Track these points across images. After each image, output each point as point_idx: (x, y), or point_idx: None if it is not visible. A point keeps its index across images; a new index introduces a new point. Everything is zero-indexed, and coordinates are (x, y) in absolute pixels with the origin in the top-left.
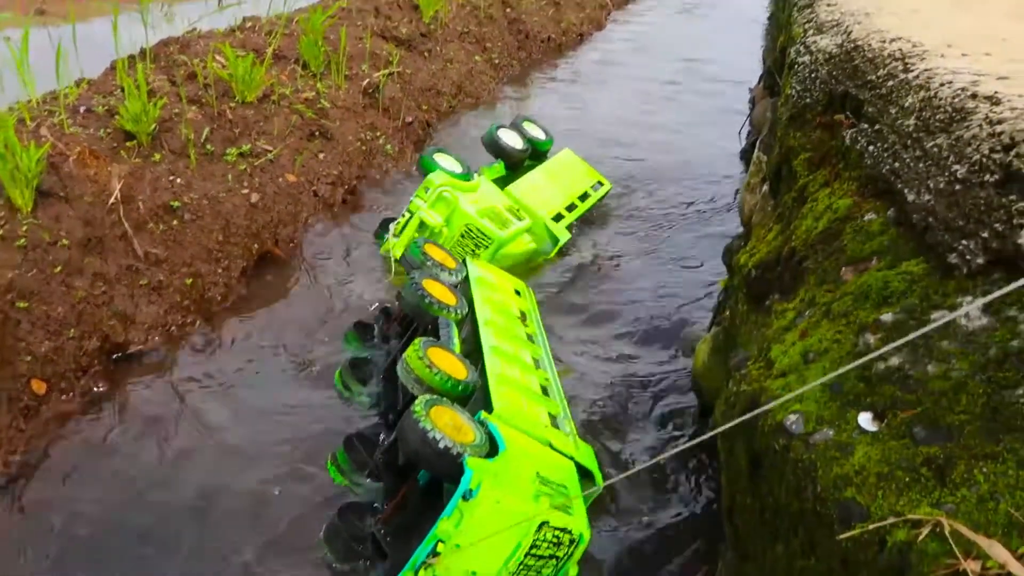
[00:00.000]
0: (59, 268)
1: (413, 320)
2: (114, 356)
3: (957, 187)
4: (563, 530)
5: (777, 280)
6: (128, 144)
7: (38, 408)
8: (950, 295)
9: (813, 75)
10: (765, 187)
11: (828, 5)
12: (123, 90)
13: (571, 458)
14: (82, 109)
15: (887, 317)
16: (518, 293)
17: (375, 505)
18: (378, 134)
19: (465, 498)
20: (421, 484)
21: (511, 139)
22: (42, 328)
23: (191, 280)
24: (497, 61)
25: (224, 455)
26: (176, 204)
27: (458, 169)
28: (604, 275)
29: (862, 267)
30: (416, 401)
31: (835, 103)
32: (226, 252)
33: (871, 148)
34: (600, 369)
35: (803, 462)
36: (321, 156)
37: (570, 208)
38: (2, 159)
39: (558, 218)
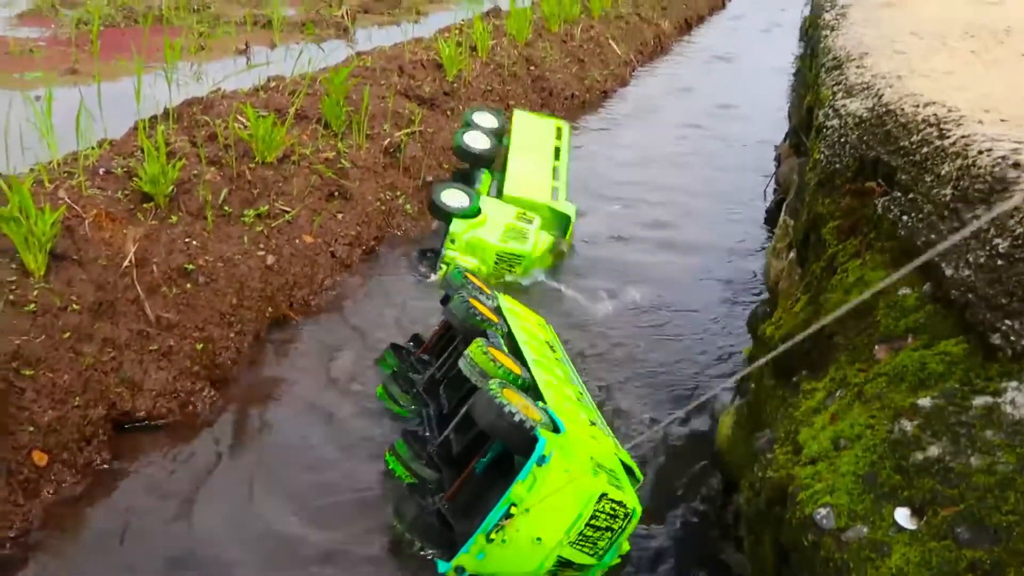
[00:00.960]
0: (68, 334)
1: (455, 335)
2: (120, 425)
3: (999, 262)
4: (619, 504)
5: (805, 355)
6: (145, 206)
7: (38, 481)
8: (993, 379)
9: (843, 139)
10: (792, 254)
11: (858, 67)
12: (143, 151)
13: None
14: (101, 170)
15: (925, 402)
16: (541, 326)
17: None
18: (398, 193)
19: (539, 464)
20: (478, 472)
21: (480, 142)
22: (47, 396)
23: (202, 345)
24: None
25: (235, 527)
26: (191, 267)
27: (467, 201)
28: (618, 333)
29: (897, 345)
30: (490, 382)
31: (866, 169)
32: (239, 316)
33: (905, 218)
34: (619, 433)
35: (835, 562)
36: (340, 216)
37: (556, 174)
38: (16, 223)
39: (556, 194)
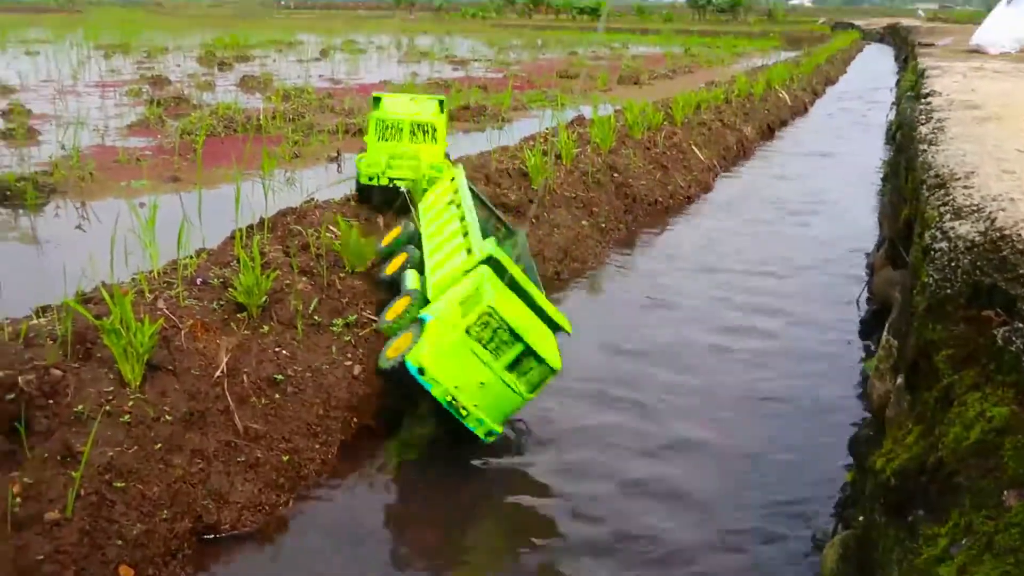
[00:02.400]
0: (160, 445)
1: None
2: (205, 537)
3: None
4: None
5: (921, 493)
6: (239, 316)
7: None
8: None
9: (952, 264)
10: (900, 379)
11: (965, 188)
12: (239, 261)
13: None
14: (199, 280)
15: None
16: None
17: None
18: None
19: (420, 373)
20: None
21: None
22: (136, 509)
23: (288, 457)
24: (604, 225)
25: None
26: (280, 377)
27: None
28: (699, 444)
29: None
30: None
31: (981, 296)
32: (325, 426)
33: None
34: (715, 561)
35: None
36: None
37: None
38: (117, 335)
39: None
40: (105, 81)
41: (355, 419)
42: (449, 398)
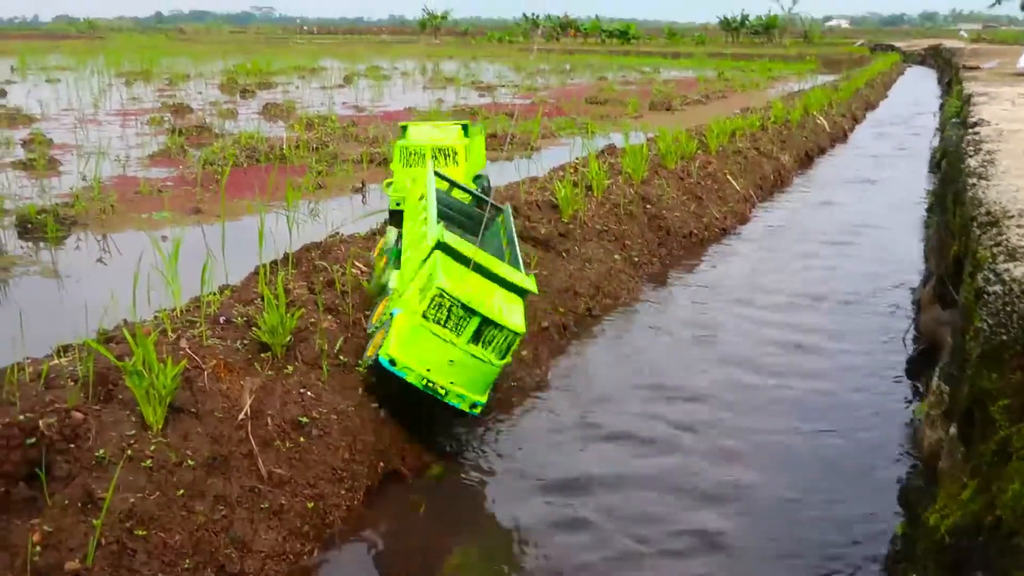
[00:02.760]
0: (182, 491)
1: None
2: None
3: None
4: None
5: (979, 553)
6: (263, 355)
7: None
8: None
9: (1008, 308)
10: (952, 428)
11: (1019, 227)
12: (263, 299)
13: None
14: (222, 319)
15: None
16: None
17: None
18: None
19: (391, 364)
20: None
21: None
22: (158, 558)
23: (313, 503)
24: (636, 259)
25: None
26: (304, 420)
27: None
28: (745, 500)
29: None
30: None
31: None
32: (351, 471)
33: None
34: None
35: None
36: None
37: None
38: (139, 376)
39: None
40: (126, 109)
41: (382, 463)
42: (424, 382)
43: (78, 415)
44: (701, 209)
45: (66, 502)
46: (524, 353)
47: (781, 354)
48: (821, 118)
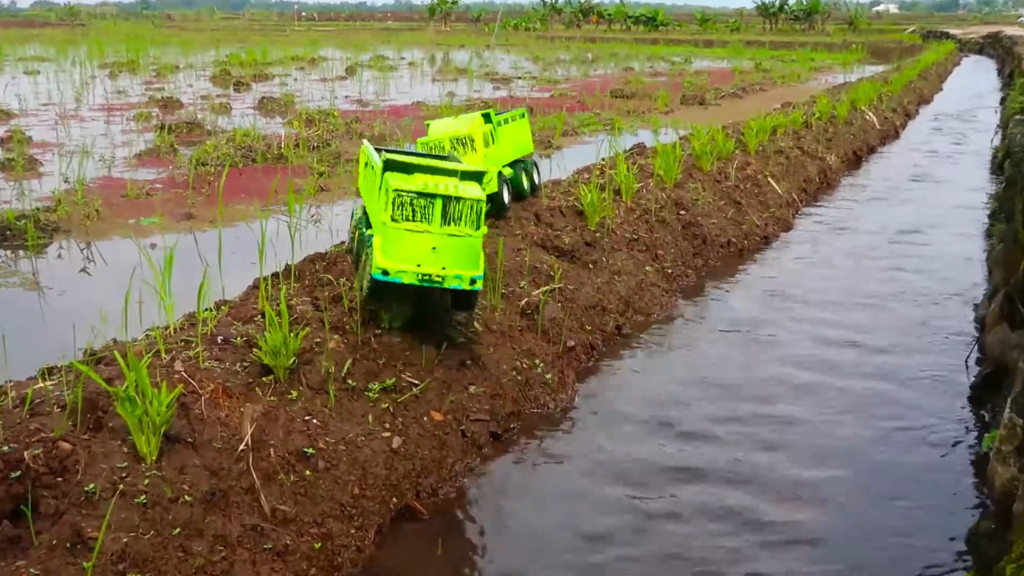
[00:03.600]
0: (178, 529)
1: None
2: None
3: None
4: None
5: None
6: (264, 379)
7: None
8: None
9: None
10: None
11: None
12: (264, 316)
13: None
14: (220, 339)
15: None
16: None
17: None
18: (536, 361)
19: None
20: None
21: None
22: None
23: (320, 543)
24: (670, 271)
25: None
26: (310, 451)
27: None
28: (805, 539)
29: None
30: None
31: None
32: (361, 508)
33: None
34: None
35: None
36: (472, 389)
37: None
38: (131, 403)
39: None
40: (111, 104)
41: (394, 499)
42: (420, 276)
43: (66, 446)
44: (740, 215)
45: (54, 542)
46: (548, 376)
47: (832, 378)
48: (870, 113)
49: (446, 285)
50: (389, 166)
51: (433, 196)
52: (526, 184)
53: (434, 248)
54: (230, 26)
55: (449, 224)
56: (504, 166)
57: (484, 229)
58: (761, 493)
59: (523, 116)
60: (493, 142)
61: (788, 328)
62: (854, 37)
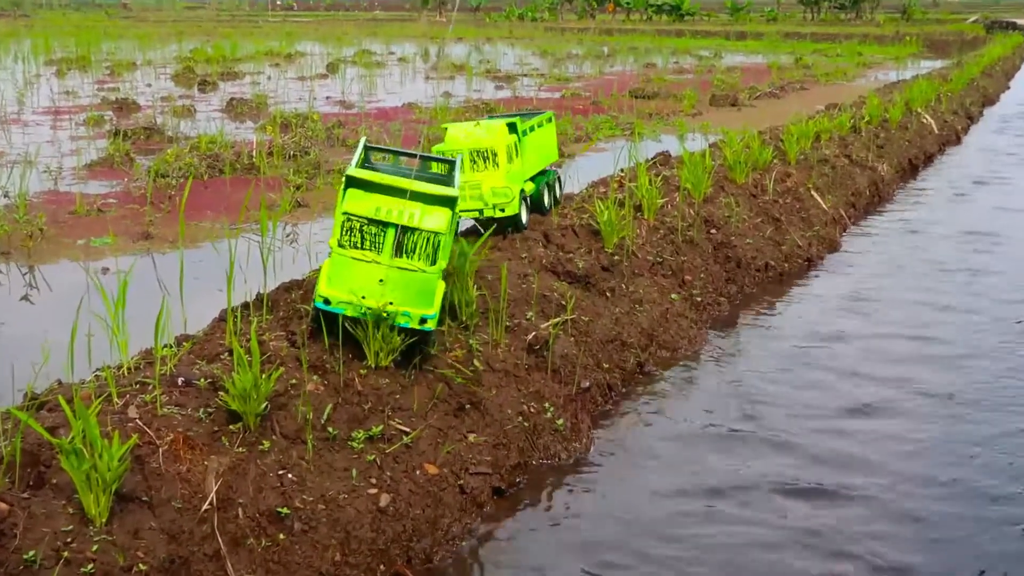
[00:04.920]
0: None
1: None
2: None
3: None
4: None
5: None
6: (232, 428)
7: None
8: None
9: None
10: None
11: None
12: (231, 354)
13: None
14: (181, 381)
15: None
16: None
17: None
18: (545, 405)
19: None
20: None
21: None
22: None
23: None
24: (699, 299)
25: None
26: (285, 511)
27: None
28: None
29: None
30: None
31: None
32: None
33: None
34: None
35: None
36: (471, 437)
37: None
38: (78, 456)
39: None
40: (59, 107)
41: (382, 566)
42: (363, 310)
43: (2, 506)
44: (779, 234)
45: None
46: (560, 422)
47: (894, 441)
48: (927, 116)
49: (391, 322)
50: (351, 183)
51: (385, 224)
52: (547, 200)
53: (381, 281)
54: (195, 17)
55: (401, 256)
56: (527, 180)
57: (443, 263)
58: None
59: (550, 121)
60: (517, 155)
61: (838, 371)
62: (908, 28)
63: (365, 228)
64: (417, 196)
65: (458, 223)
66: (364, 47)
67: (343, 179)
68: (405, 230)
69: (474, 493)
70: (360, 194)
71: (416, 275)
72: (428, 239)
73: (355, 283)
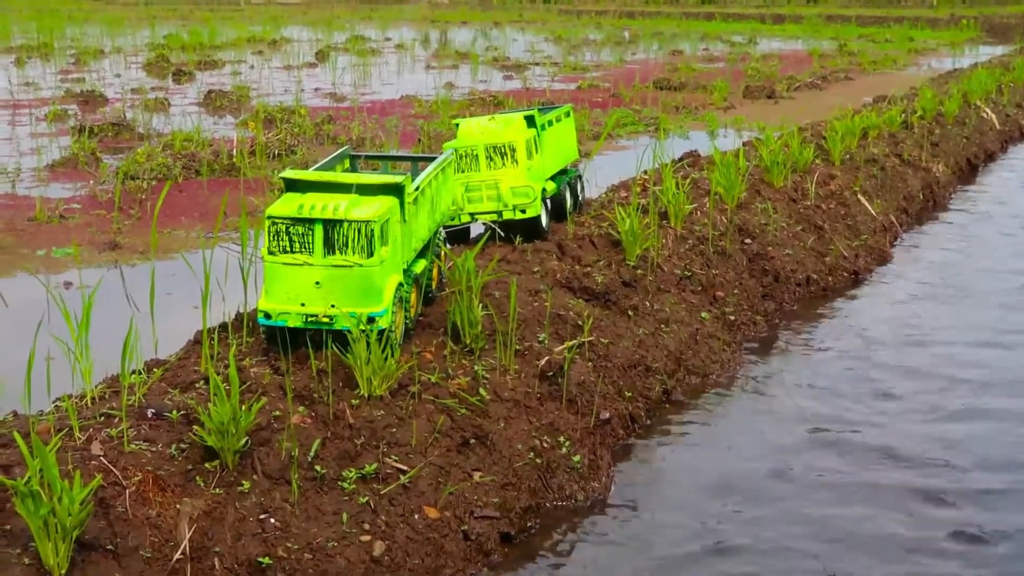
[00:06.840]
0: None
1: None
2: None
3: None
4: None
5: None
6: (207, 466)
7: None
8: None
9: None
10: None
11: None
12: (207, 382)
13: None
14: (150, 413)
15: None
16: None
17: None
18: (560, 439)
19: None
20: None
21: None
22: None
23: None
24: (733, 317)
25: None
26: (266, 560)
27: None
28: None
29: None
30: None
31: None
32: None
33: None
34: None
35: None
36: (477, 476)
37: None
38: (35, 500)
39: None
40: (17, 100)
41: None
42: (305, 318)
43: None
44: (822, 244)
45: None
46: (576, 458)
47: (957, 488)
48: (987, 110)
49: (337, 326)
50: (291, 186)
51: (311, 221)
52: (570, 202)
53: (318, 283)
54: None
55: (334, 253)
56: (547, 179)
57: (381, 254)
58: None
59: (568, 115)
60: (537, 151)
61: (892, 398)
62: (964, 10)
63: (292, 229)
64: (363, 189)
65: (470, 226)
66: (357, 32)
67: (281, 182)
68: (332, 224)
69: (479, 540)
70: (292, 196)
71: (353, 271)
72: (359, 230)
73: (292, 290)
